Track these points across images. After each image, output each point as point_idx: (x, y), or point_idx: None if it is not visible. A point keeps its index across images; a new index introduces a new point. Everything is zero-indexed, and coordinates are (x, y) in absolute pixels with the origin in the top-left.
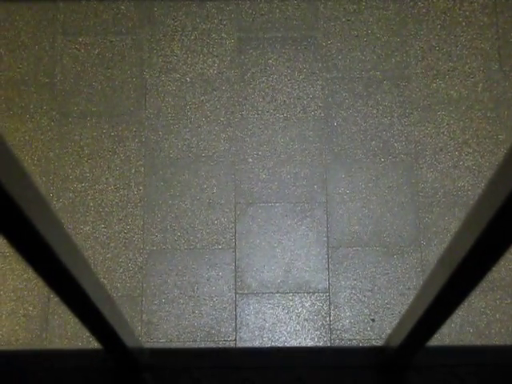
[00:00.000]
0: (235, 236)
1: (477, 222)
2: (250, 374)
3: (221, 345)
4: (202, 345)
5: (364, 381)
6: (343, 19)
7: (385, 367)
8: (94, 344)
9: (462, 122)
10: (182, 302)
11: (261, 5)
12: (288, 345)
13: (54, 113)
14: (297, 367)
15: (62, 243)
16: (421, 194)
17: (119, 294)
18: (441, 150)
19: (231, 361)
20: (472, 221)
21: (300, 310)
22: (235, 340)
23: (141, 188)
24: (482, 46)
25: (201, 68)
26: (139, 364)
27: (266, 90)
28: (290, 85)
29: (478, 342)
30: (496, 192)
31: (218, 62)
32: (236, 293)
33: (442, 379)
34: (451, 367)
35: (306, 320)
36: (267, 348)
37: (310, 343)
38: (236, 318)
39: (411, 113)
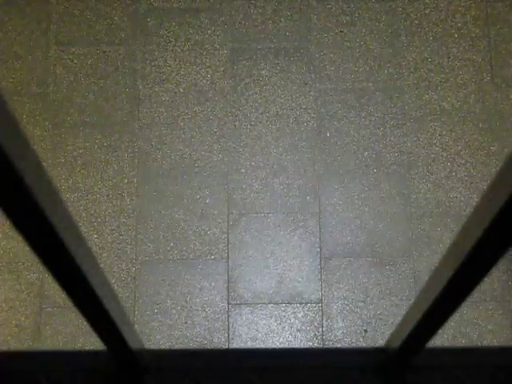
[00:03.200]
0: (228, 246)
1: (478, 220)
2: (251, 375)
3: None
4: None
5: (364, 381)
6: (336, 30)
7: (385, 368)
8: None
9: (454, 133)
10: (174, 312)
11: (254, 16)
12: None
13: (46, 123)
14: (297, 368)
15: (73, 238)
16: (413, 204)
17: None
18: (433, 161)
19: (232, 362)
20: (474, 219)
21: (293, 320)
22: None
23: (133, 198)
24: (474, 57)
25: (194, 78)
26: (141, 365)
27: (259, 101)
28: (282, 96)
29: None
30: (495, 197)
31: (211, 72)
32: (229, 303)
33: (441, 380)
34: (451, 368)
35: (299, 331)
36: (268, 349)
37: None
38: (228, 329)
39: (404, 124)
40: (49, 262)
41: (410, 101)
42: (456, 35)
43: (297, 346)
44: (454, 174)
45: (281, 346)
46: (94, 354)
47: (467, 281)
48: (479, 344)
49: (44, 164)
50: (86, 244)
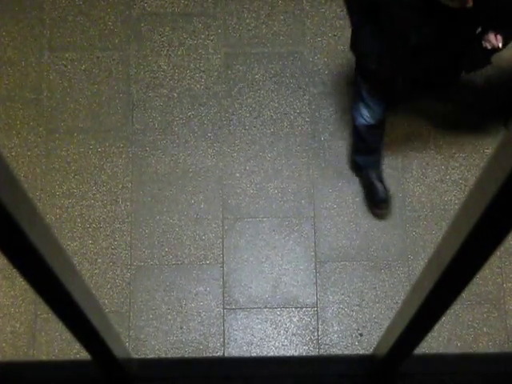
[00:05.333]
0: (223, 251)
1: (456, 236)
2: None
3: (214, 356)
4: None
5: None
6: (330, 34)
7: (373, 375)
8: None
9: (448, 137)
10: (169, 317)
11: (247, 20)
12: None
13: (40, 129)
14: (286, 377)
15: (54, 254)
16: (408, 208)
17: (107, 310)
18: (427, 164)
19: (220, 371)
20: (452, 235)
21: (288, 324)
22: (223, 355)
23: (128, 204)
24: None
25: (188, 83)
26: (128, 375)
27: (253, 105)
28: (276, 100)
29: None
30: (477, 201)
31: (205, 77)
32: (224, 308)
33: None
34: (437, 375)
35: (294, 335)
36: (256, 358)
37: None
38: (224, 334)
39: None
40: (27, 274)
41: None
42: None
43: (292, 350)
44: (448, 177)
45: (276, 350)
46: (82, 363)
47: (449, 289)
48: (474, 347)
49: (38, 170)
50: (67, 255)
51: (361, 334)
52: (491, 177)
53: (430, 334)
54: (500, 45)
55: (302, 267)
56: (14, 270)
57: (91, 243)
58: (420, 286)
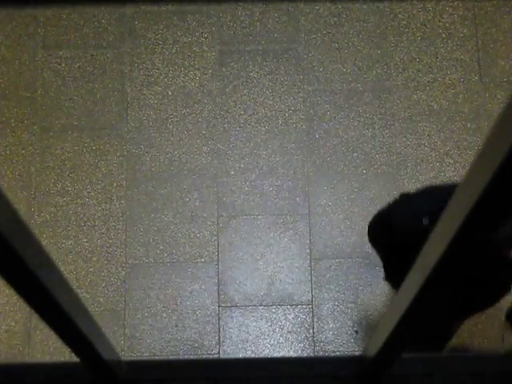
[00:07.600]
0: (218, 249)
1: (440, 239)
2: None
3: (204, 358)
4: (185, 358)
5: None
6: (324, 32)
7: (362, 377)
8: (76, 358)
9: (442, 133)
10: (164, 315)
11: (242, 18)
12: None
13: (35, 127)
14: (278, 378)
15: (35, 254)
16: None
17: (102, 309)
18: (422, 161)
19: (210, 373)
20: (436, 240)
21: (283, 322)
22: (218, 353)
23: (123, 202)
24: (462, 57)
25: (182, 81)
26: (117, 377)
27: (248, 103)
28: (271, 97)
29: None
30: (461, 205)
31: (199, 74)
32: (219, 306)
33: None
34: (427, 377)
35: (290, 332)
36: (248, 359)
37: (293, 355)
38: (219, 331)
39: (392, 124)
40: (11, 280)
41: (398, 101)
42: (444, 35)
43: (288, 347)
44: (442, 173)
45: (272, 348)
46: (71, 366)
47: (436, 290)
48: (469, 344)
49: (32, 168)
50: (50, 258)
51: (356, 332)
52: (476, 178)
53: None
54: None
55: (297, 264)
56: None
57: (86, 241)
58: (407, 287)
